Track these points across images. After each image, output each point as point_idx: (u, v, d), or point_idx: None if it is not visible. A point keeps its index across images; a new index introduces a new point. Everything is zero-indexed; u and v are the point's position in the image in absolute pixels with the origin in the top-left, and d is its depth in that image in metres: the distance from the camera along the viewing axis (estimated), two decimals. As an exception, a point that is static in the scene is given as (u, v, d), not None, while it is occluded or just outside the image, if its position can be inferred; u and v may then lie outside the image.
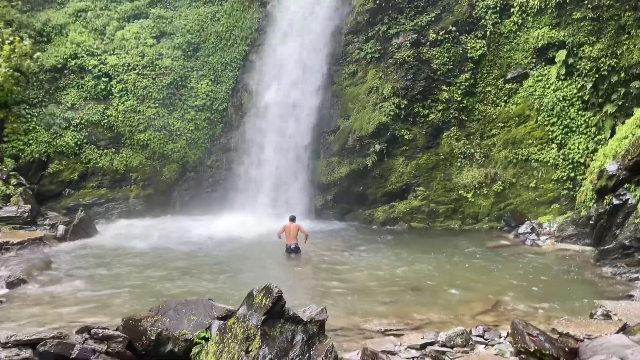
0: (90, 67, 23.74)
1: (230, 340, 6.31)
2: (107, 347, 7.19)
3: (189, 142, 24.34)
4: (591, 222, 15.18)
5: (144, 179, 23.78)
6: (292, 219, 16.53)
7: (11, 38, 22.44)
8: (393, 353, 7.50)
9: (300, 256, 15.88)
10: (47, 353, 7.04)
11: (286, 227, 16.30)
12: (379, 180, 22.40)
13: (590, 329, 7.44)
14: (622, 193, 13.90)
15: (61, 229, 18.15)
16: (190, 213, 23.55)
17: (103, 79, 23.82)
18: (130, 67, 24.09)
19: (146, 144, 23.69)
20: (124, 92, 23.85)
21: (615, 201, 13.98)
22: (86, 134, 23.17)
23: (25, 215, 18.71)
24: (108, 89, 23.81)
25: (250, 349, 6.05)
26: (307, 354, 6.19)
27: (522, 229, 18.36)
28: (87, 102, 23.50)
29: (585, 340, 7.10)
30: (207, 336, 7.11)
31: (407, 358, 7.34)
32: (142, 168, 23.71)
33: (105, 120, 23.43)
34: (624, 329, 7.47)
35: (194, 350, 6.98)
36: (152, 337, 7.31)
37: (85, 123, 23.19)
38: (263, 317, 6.35)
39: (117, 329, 7.60)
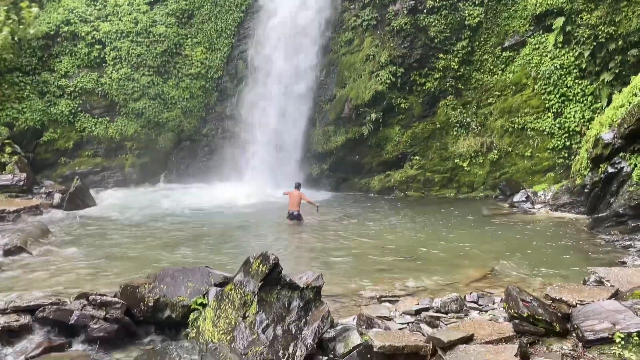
0: (83, 34, 23.35)
1: (227, 306, 6.34)
2: (106, 313, 7.22)
3: (184, 111, 24.15)
4: (586, 190, 15.24)
5: (139, 148, 23.66)
6: (297, 186, 16.65)
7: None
8: (388, 318, 7.56)
9: (300, 223, 15.89)
10: (45, 319, 7.08)
11: (290, 194, 16.40)
12: (375, 150, 22.37)
13: (583, 295, 7.51)
14: (617, 162, 13.91)
15: (57, 197, 18.10)
16: (187, 182, 23.61)
17: (96, 46, 23.47)
18: (123, 34, 23.72)
19: (141, 112, 23.49)
20: (118, 60, 23.53)
21: (610, 169, 14.00)
22: (80, 102, 22.94)
23: (21, 183, 18.63)
24: (102, 56, 23.48)
25: (247, 314, 6.09)
26: (304, 319, 6.24)
27: (517, 197, 18.43)
28: (81, 69, 23.20)
29: (577, 305, 7.18)
30: (204, 302, 7.13)
31: (402, 323, 7.40)
32: (137, 137, 23.57)
33: (100, 89, 23.17)
34: (616, 295, 7.54)
35: (192, 316, 7.02)
36: (150, 304, 7.34)
37: (79, 91, 22.94)
38: (260, 284, 6.36)
39: (115, 296, 7.61)
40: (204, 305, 7.06)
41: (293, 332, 6.01)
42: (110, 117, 23.38)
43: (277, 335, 5.86)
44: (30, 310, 7.19)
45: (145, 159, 23.80)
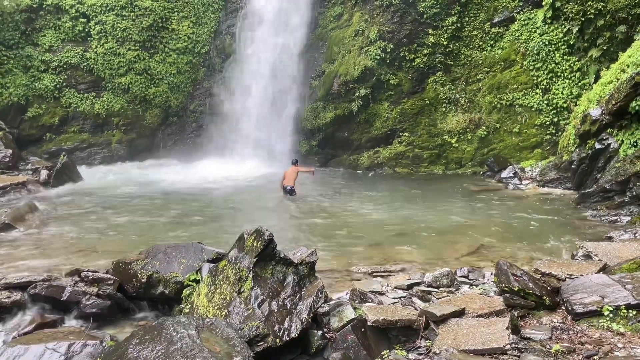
0: (67, 7, 22.85)
1: (222, 282, 6.35)
2: (98, 289, 7.21)
3: (171, 86, 23.89)
4: (573, 166, 15.37)
5: (126, 124, 23.43)
6: (294, 162, 16.84)
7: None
8: (381, 293, 7.62)
9: (294, 199, 16.03)
10: (37, 295, 7.04)
11: (286, 171, 16.57)
12: (364, 126, 22.37)
13: (571, 269, 7.62)
14: (604, 137, 14.01)
15: (44, 173, 17.89)
16: (174, 158, 23.54)
17: (81, 19, 23.00)
18: (108, 8, 23.25)
19: (127, 88, 23.19)
20: (103, 34, 23.11)
21: (598, 145, 14.11)
22: (65, 77, 22.58)
23: (7, 159, 18.37)
24: (86, 30, 23.04)
25: (242, 289, 6.10)
26: (299, 295, 6.27)
27: (505, 173, 18.55)
28: (65, 44, 22.78)
29: (567, 279, 7.28)
30: (197, 278, 7.13)
31: (395, 297, 7.47)
32: (123, 113, 23.31)
33: (85, 63, 22.79)
34: (604, 269, 7.66)
35: (185, 292, 7.02)
36: (143, 280, 7.33)
37: (64, 66, 22.55)
38: (255, 260, 6.35)
39: (107, 272, 7.60)
40: (197, 282, 7.06)
41: (288, 307, 6.04)
42: (96, 93, 23.06)
43: (273, 310, 5.89)
44: (22, 286, 7.14)
45: (132, 135, 23.57)
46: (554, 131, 19.99)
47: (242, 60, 23.63)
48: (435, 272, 8.19)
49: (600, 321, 6.20)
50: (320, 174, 21.26)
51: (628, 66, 14.21)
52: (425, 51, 21.63)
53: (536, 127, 20.30)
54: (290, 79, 23.05)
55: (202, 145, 24.01)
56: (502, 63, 21.04)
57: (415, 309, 6.92)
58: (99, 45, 22.95)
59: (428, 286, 7.94)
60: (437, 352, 5.64)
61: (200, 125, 24.59)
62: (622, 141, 13.54)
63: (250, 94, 23.35)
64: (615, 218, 12.42)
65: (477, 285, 8.02)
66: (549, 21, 20.10)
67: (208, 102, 24.61)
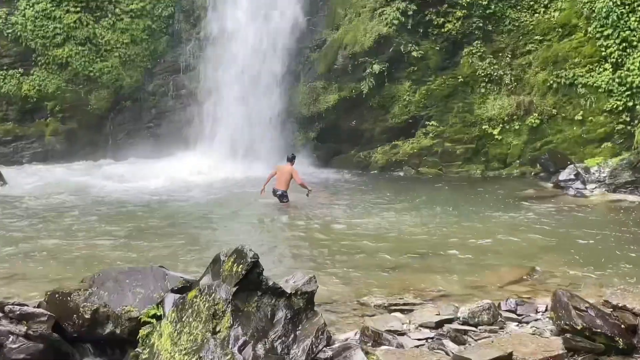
0: (-16, -45, 22.91)
1: (191, 318, 6.34)
2: (27, 328, 7.17)
3: (123, 61, 23.92)
4: (654, 166, 15.37)
5: (64, 110, 23.48)
6: (290, 158, 16.87)
7: None
8: (401, 333, 7.62)
9: (285, 207, 16.21)
10: (-54, 338, 7.01)
11: (279, 169, 16.61)
12: (378, 112, 22.35)
13: (653, 302, 7.62)
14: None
15: (-48, 177, 17.87)
16: (127, 155, 23.55)
17: (3, -29, 23.05)
18: (40, -44, 23.27)
19: (66, 62, 23.23)
20: (33, -9, 23.12)
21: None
22: (-18, 48, 22.67)
23: None
24: (11, -14, 23.08)
25: (218, 328, 6.09)
26: (292, 335, 6.28)
27: (564, 175, 18.54)
28: (-18, 5, 22.83)
29: (646, 315, 7.29)
30: (159, 314, 7.08)
31: (419, 339, 7.47)
32: (60, 95, 23.35)
33: (9, 30, 22.80)
34: (696, 301, 7.65)
35: (143, 331, 6.98)
36: (87, 316, 7.29)
37: (-20, 33, 22.63)
38: (234, 289, 6.33)
39: (39, 306, 7.56)
40: (158, 318, 7.03)
41: (279, 351, 6.04)
42: (25, 69, 23.06)
43: (258, 356, 5.90)
44: None
45: (72, 124, 23.59)
46: (628, 119, 19.99)
47: (217, 26, 23.63)
48: (473, 306, 8.20)
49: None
50: (319, 175, 21.32)
51: None
52: (458, 14, 21.62)
53: (605, 113, 20.29)
54: (281, 50, 23.00)
55: (165, 139, 23.92)
56: (560, 29, 21.01)
57: (447, 353, 6.92)
58: (27, 7, 22.93)
59: (463, 324, 7.94)
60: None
61: (161, 112, 24.50)
62: None
63: (228, 70, 23.26)
64: None
65: (527, 323, 8.02)
66: (621, -26, 20.12)
67: (172, 82, 24.47)
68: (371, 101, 22.17)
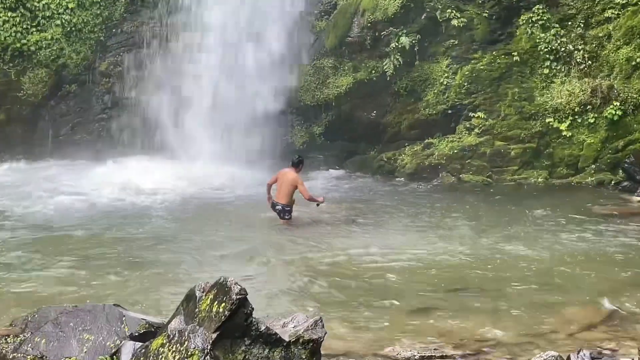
0: None
1: (157, 375, 6.32)
2: None
3: (67, 31, 23.97)
4: None
5: (-14, 97, 23.52)
6: (295, 162, 16.81)
7: None
8: (437, 396, 7.60)
9: (287, 225, 16.40)
10: None
11: (280, 176, 16.61)
12: (406, 100, 22.43)
13: None
14: None
15: None
16: (75, 155, 23.55)
17: None
18: None
19: (-12, 33, 23.28)
20: None
21: None
22: None
23: None
24: None
25: (193, 389, 6.08)
26: (293, 398, 6.24)
27: (657, 185, 18.50)
28: None
29: None
30: (113, 368, 7.14)
31: (463, 404, 7.45)
32: (-19, 77, 23.44)
33: None
34: None
35: (92, 392, 7.01)
36: (17, 371, 7.31)
37: None
38: (214, 335, 6.32)
39: (-49, 357, 7.58)
40: (113, 374, 7.04)
41: (274, 420, 5.99)
42: None
43: None
44: None
45: (-2, 115, 23.78)
46: None
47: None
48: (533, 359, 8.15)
49: None
50: (328, 182, 21.22)
51: None
52: (513, -31, 21.72)
53: None
54: (277, 18, 23.05)
55: (122, 135, 24.09)
56: (650, -10, 21.02)
57: None
58: None
59: (521, 384, 7.90)
60: None
61: (117, 101, 24.57)
62: None
63: (206, 45, 23.35)
64: None
65: (608, 383, 7.97)
66: None
67: (131, 59, 24.53)
68: (397, 85, 22.22)
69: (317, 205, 16.57)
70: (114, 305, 8.02)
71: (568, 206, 18.28)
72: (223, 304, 6.51)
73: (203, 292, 6.81)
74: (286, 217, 16.36)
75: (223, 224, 16.95)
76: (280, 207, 16.31)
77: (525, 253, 14.34)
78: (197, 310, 6.70)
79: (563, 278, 12.62)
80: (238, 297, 6.51)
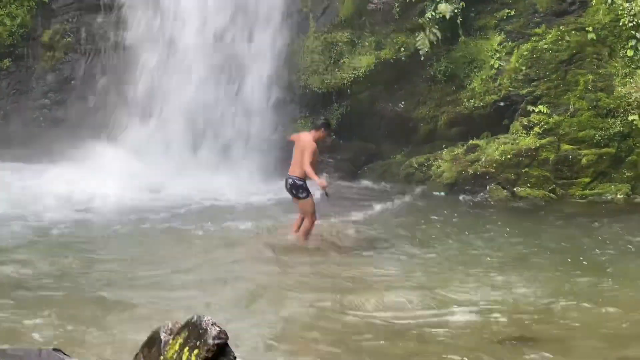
0: None
1: None
2: None
3: (-3, -10, 24.22)
4: None
5: None
6: (317, 125, 17.19)
7: None
8: None
9: (297, 206, 16.92)
10: None
11: (295, 139, 17.05)
12: (445, 88, 22.51)
13: None
14: None
15: None
16: (6, 153, 23.69)
17: None
18: None
19: None
20: None
21: None
22: None
23: None
24: None
25: None
26: None
27: None
28: None
29: None
30: None
31: None
32: None
33: None
34: None
35: None
36: None
37: None
38: (186, 393, 6.32)
39: None
40: None
41: None
42: None
43: None
44: None
45: None
46: None
47: None
48: None
49: None
50: (341, 194, 20.93)
51: None
52: None
53: None
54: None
55: (72, 127, 24.19)
56: None
57: None
58: None
59: None
60: None
61: (64, 82, 24.88)
62: None
63: (182, 13, 23.54)
64: None
65: None
66: None
67: (84, 28, 24.79)
68: (433, 68, 22.32)
69: (326, 195, 16.62)
70: (54, 350, 7.63)
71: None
72: (196, 351, 6.36)
73: (170, 334, 6.67)
74: (300, 195, 16.46)
75: (195, 244, 17.22)
76: (291, 181, 16.43)
77: (599, 287, 14.43)
78: (161, 358, 6.57)
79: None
80: (216, 342, 6.31)
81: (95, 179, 21.22)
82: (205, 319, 6.48)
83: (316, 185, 16.64)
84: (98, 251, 16.80)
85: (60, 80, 24.95)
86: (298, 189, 16.46)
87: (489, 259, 16.45)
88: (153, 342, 6.78)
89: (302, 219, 16.83)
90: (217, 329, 6.40)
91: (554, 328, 12.33)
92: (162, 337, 6.67)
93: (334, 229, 17.98)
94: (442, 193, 22.01)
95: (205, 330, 6.40)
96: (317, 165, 16.80)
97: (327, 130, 17.02)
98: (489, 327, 12.60)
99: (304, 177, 16.47)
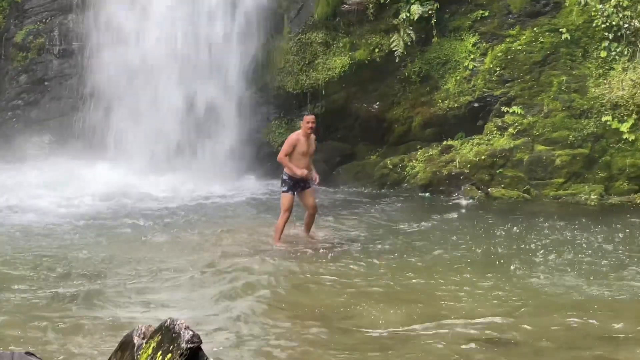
0: None
1: None
2: None
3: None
4: None
5: None
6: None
7: None
8: None
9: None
10: None
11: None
12: (419, 89, 22.53)
13: None
14: None
15: None
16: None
17: None
18: None
19: None
20: None
21: None
22: None
23: None
24: None
25: None
26: None
27: None
28: None
29: None
30: None
31: None
32: None
33: None
34: None
35: None
36: None
37: None
38: (159, 400, 6.09)
39: None
40: None
41: None
42: None
43: None
44: None
45: None
46: None
47: None
48: None
49: None
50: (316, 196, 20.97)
51: None
52: None
53: None
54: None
55: (44, 129, 24.30)
56: None
57: None
58: None
59: None
60: None
61: (38, 81, 24.83)
62: None
63: (153, 8, 23.51)
64: None
65: None
66: None
67: (58, 28, 24.77)
68: (408, 69, 22.36)
69: (315, 182, 17.10)
70: (27, 353, 7.58)
71: (635, 232, 18.17)
72: (169, 355, 6.37)
73: (143, 338, 6.71)
74: (282, 188, 17.03)
75: (167, 248, 17.17)
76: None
77: (576, 293, 14.19)
78: None
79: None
80: (189, 345, 6.35)
81: (72, 180, 21.47)
82: (178, 322, 6.51)
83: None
84: (97, 249, 16.83)
85: (33, 81, 25.03)
86: (281, 182, 16.90)
87: (466, 253, 16.67)
88: (126, 346, 6.79)
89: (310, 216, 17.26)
90: (191, 332, 6.32)
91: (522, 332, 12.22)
92: (135, 341, 6.66)
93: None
94: (412, 192, 22.11)
95: (179, 334, 6.38)
96: (303, 158, 16.83)
97: (304, 123, 17.07)
98: (473, 325, 12.49)
99: (292, 174, 16.68)
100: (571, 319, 12.84)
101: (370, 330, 12.41)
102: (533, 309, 13.49)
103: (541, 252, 16.69)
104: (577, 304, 13.62)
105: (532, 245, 17.29)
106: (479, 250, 16.96)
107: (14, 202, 20.26)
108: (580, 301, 13.80)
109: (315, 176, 17.00)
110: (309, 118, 17.06)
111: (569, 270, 15.48)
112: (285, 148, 16.67)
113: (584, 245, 17.32)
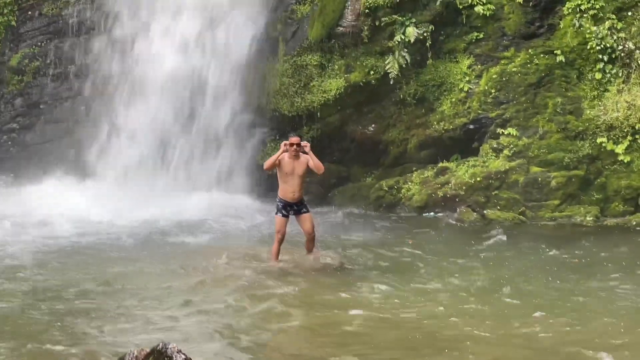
0: None
1: None
2: None
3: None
4: None
5: None
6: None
7: None
8: None
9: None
10: None
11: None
12: (415, 111, 22.50)
13: None
14: None
15: None
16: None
17: None
18: None
19: None
20: None
21: None
22: None
23: None
24: None
25: None
26: None
27: None
28: None
29: None
30: None
31: None
32: None
33: None
34: None
35: None
36: None
37: None
38: None
39: None
40: None
41: None
42: None
43: None
44: None
45: None
46: None
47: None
48: None
49: None
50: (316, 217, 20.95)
51: None
52: (556, -61, 21.60)
53: None
54: (247, 2, 23.24)
55: (40, 152, 24.15)
56: None
57: None
58: None
59: None
60: None
61: (33, 105, 24.75)
62: None
63: (149, 32, 23.52)
64: None
65: None
66: None
67: (53, 51, 24.68)
68: (403, 91, 22.30)
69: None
70: None
71: (629, 252, 18.08)
72: None
73: None
74: (275, 211, 17.22)
75: (163, 275, 16.82)
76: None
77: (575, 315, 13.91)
78: (127, 387, 6.27)
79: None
80: None
81: (68, 203, 21.22)
82: (170, 346, 6.45)
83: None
84: (54, 276, 16.37)
85: (29, 104, 24.98)
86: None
87: (462, 278, 16.10)
88: (118, 369, 6.67)
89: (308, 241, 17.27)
90: (183, 356, 6.39)
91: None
92: (128, 364, 6.57)
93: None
94: (408, 214, 22.00)
95: (171, 358, 6.41)
96: (289, 178, 16.96)
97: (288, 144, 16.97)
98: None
99: (282, 196, 16.86)
100: None
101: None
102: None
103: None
104: None
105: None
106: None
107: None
108: None
109: (306, 143, 17.22)
110: (293, 140, 17.00)
111: None
112: (270, 159, 16.95)
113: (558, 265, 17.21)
